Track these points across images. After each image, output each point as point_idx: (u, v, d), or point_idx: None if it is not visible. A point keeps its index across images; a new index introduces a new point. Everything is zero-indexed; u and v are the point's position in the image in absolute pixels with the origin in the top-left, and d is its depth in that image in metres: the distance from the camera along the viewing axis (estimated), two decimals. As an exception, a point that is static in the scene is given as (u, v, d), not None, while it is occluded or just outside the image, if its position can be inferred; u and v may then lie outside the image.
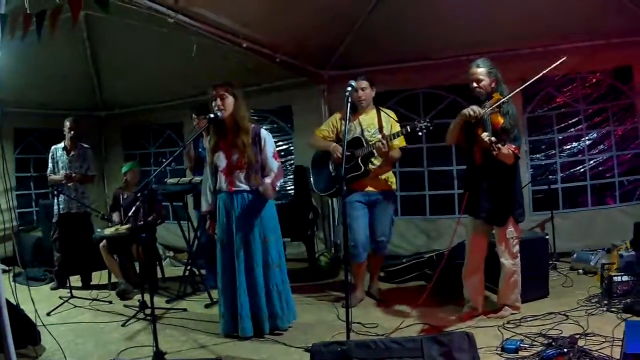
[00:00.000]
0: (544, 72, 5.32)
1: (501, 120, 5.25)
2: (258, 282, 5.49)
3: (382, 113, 6.58)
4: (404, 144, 6.54)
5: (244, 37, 7.00)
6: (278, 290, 5.60)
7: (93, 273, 8.41)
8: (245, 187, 5.51)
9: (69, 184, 8.08)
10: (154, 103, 10.87)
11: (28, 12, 3.83)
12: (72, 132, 8.18)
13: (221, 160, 5.54)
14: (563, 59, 5.30)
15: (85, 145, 8.44)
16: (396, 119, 6.61)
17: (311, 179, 6.98)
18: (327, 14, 7.47)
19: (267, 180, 5.52)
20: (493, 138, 5.09)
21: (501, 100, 5.24)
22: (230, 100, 5.45)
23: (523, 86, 5.49)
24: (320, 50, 8.62)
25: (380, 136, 6.33)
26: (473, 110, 5.24)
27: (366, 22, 7.99)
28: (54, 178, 8.22)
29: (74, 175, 8.08)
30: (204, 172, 5.93)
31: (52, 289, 8.08)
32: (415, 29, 7.89)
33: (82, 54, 9.51)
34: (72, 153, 8.24)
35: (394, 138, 6.24)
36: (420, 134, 6.08)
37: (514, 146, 5.22)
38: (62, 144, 8.30)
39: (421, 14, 7.61)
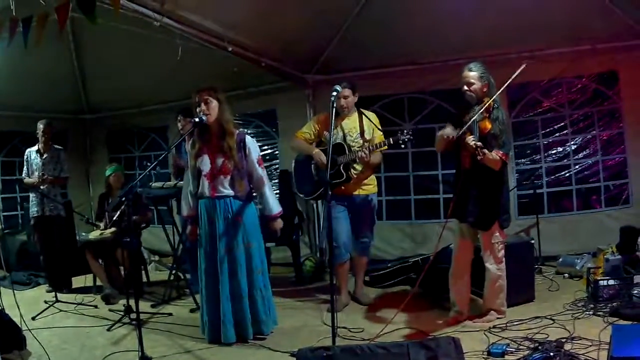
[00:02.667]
0: (508, 82, 5.32)
1: (489, 125, 5.25)
2: (242, 288, 5.47)
3: (363, 117, 6.58)
4: (383, 139, 6.48)
5: (230, 41, 7.00)
6: (262, 295, 5.59)
7: (78, 277, 8.32)
8: (229, 192, 5.48)
9: (42, 187, 8.01)
10: (139, 107, 10.82)
11: (14, 16, 3.82)
12: (45, 136, 8.13)
13: (205, 165, 5.51)
14: (523, 66, 5.27)
15: (59, 147, 8.39)
16: (378, 123, 6.63)
17: (294, 180, 7.04)
18: (312, 19, 7.47)
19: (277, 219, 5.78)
20: (479, 143, 5.10)
21: (473, 118, 5.23)
22: (214, 104, 5.43)
23: (489, 101, 5.33)
24: (305, 55, 8.62)
25: (362, 141, 6.40)
26: (446, 134, 5.34)
27: (351, 27, 7.97)
28: (29, 181, 8.16)
29: (46, 177, 8.01)
30: (185, 176, 5.91)
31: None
32: (400, 34, 7.88)
33: (67, 57, 9.44)
34: (45, 155, 8.17)
35: (377, 149, 6.29)
36: (403, 146, 6.18)
37: (501, 152, 5.24)
38: (36, 147, 8.23)
39: (406, 20, 7.60)
